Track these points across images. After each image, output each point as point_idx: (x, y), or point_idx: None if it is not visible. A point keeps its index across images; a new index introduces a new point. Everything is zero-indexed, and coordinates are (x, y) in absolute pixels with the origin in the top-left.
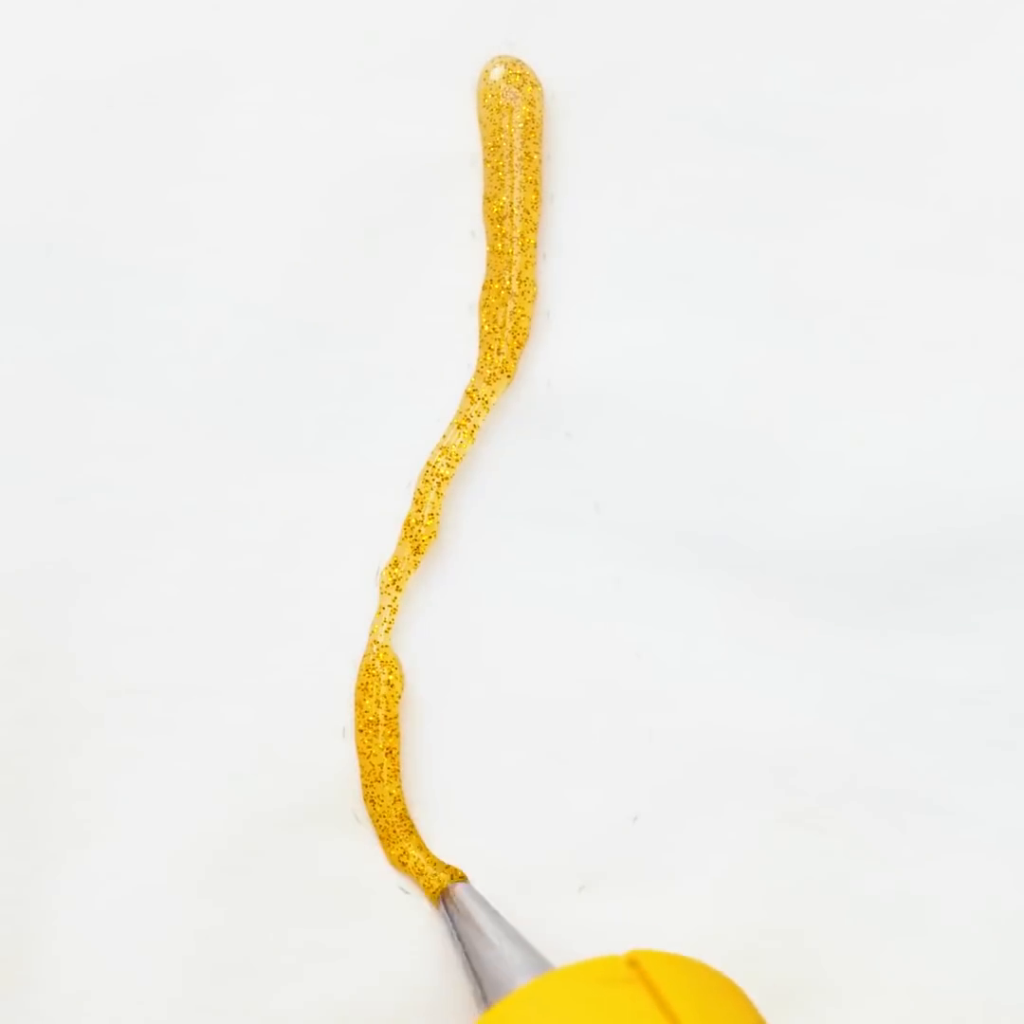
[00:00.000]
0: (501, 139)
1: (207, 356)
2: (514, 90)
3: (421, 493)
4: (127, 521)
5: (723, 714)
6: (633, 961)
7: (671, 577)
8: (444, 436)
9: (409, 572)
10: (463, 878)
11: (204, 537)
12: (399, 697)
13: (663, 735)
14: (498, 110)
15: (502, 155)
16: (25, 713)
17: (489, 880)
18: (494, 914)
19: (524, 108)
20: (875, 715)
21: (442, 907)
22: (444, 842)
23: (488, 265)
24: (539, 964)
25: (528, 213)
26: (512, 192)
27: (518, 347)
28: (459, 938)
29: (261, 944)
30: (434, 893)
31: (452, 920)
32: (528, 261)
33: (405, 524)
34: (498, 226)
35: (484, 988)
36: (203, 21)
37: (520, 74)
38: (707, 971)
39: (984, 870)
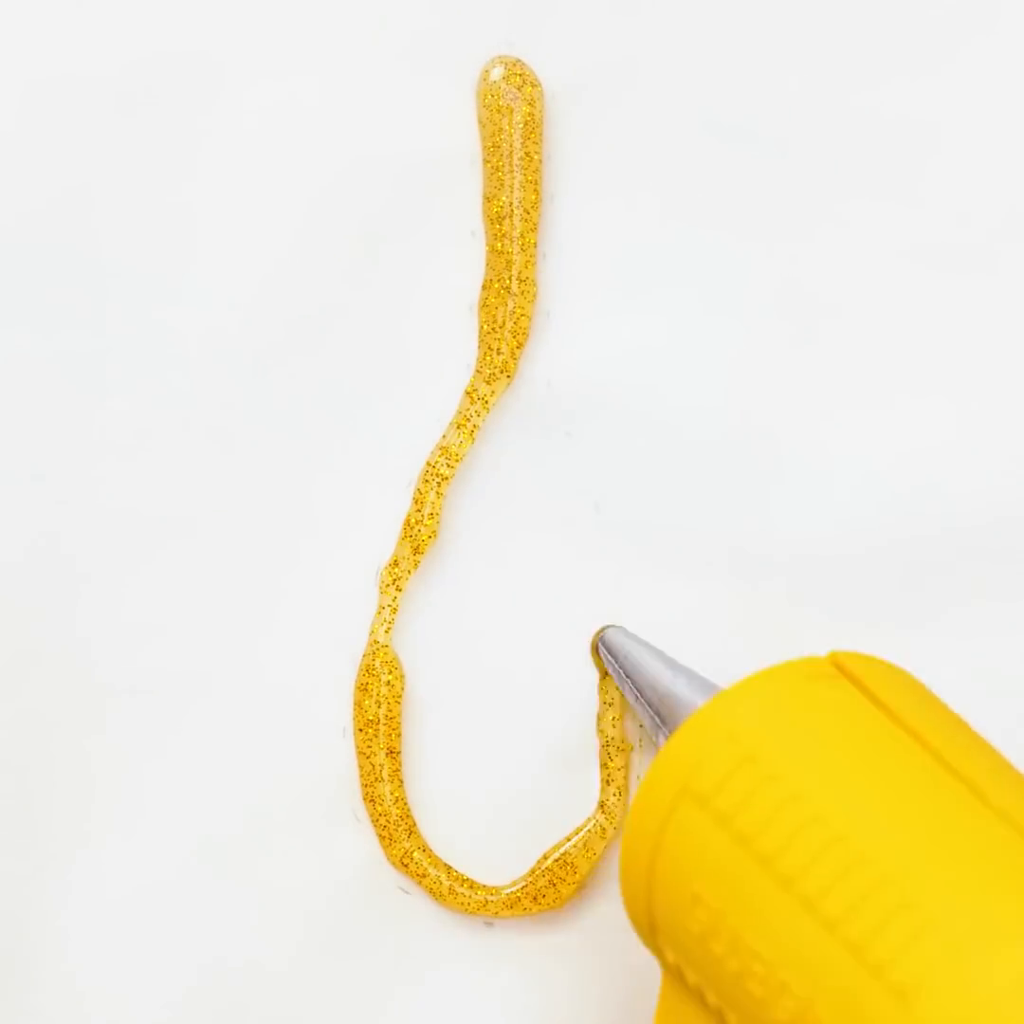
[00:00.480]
0: (501, 139)
1: (207, 356)
2: (514, 90)
3: (421, 493)
4: (127, 521)
5: None
6: (835, 660)
7: (671, 577)
8: (444, 436)
9: (409, 572)
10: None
11: (204, 537)
12: (399, 697)
13: (662, 735)
14: (498, 110)
15: (502, 155)
16: (26, 713)
17: (489, 880)
18: (653, 647)
19: (524, 108)
20: None
21: (600, 652)
22: (444, 842)
23: (488, 265)
24: (713, 686)
25: (528, 213)
26: (512, 192)
27: (518, 347)
28: (627, 675)
29: (261, 944)
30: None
31: (614, 661)
32: (528, 261)
33: (405, 524)
34: (498, 226)
35: (662, 714)
36: (203, 21)
37: (520, 74)
38: (900, 670)
39: None
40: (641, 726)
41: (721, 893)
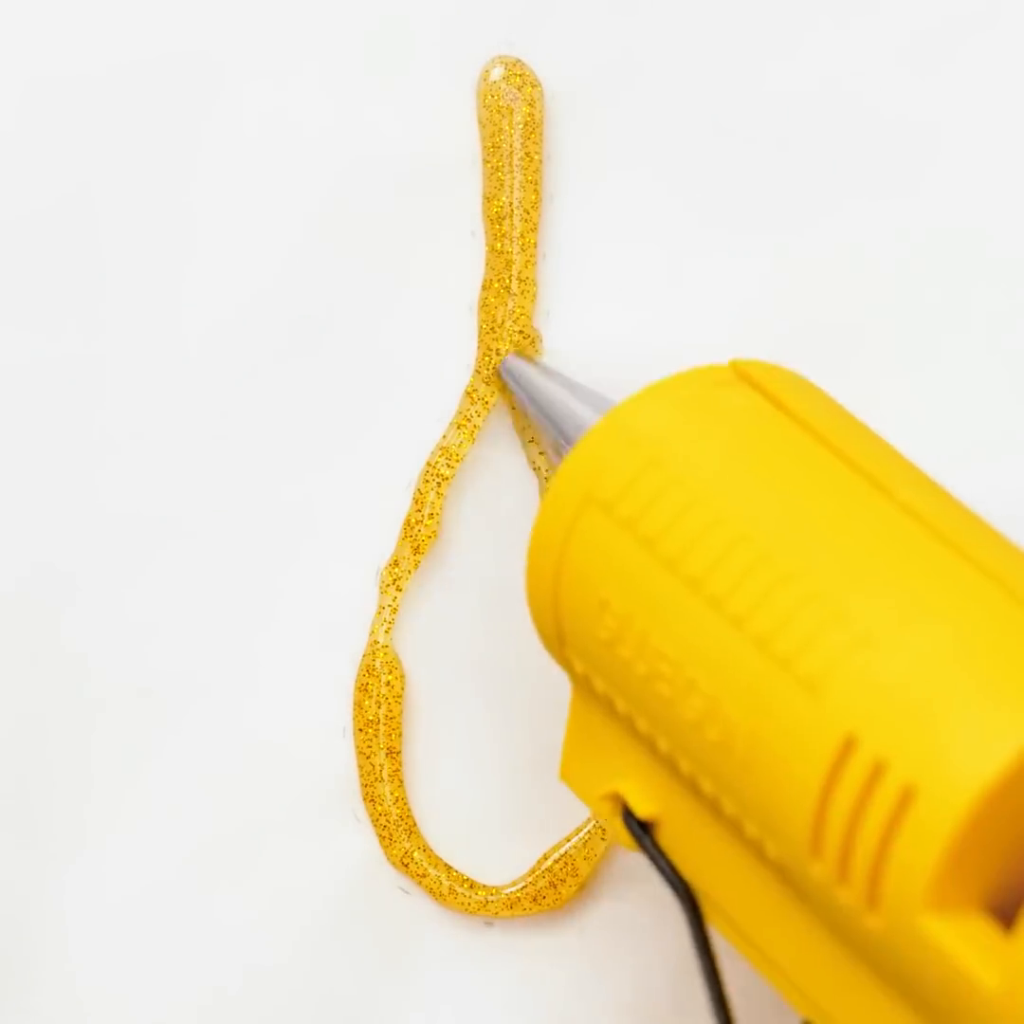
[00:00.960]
0: (501, 139)
1: (207, 356)
2: (514, 90)
3: (421, 493)
4: (127, 521)
5: None
6: (737, 368)
7: None
8: (444, 436)
9: (409, 572)
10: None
11: (204, 537)
12: (399, 697)
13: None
14: (498, 110)
15: (502, 155)
16: (26, 713)
17: (489, 880)
18: (557, 372)
19: (524, 108)
20: None
21: (503, 377)
22: (444, 842)
23: (488, 265)
24: (611, 402)
25: (528, 213)
26: (512, 192)
27: (518, 347)
28: (529, 398)
29: (261, 943)
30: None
31: (514, 384)
32: (528, 261)
33: (405, 524)
34: (498, 226)
35: (566, 434)
36: (202, 21)
37: (520, 74)
38: (802, 378)
39: None
40: None
41: (628, 597)
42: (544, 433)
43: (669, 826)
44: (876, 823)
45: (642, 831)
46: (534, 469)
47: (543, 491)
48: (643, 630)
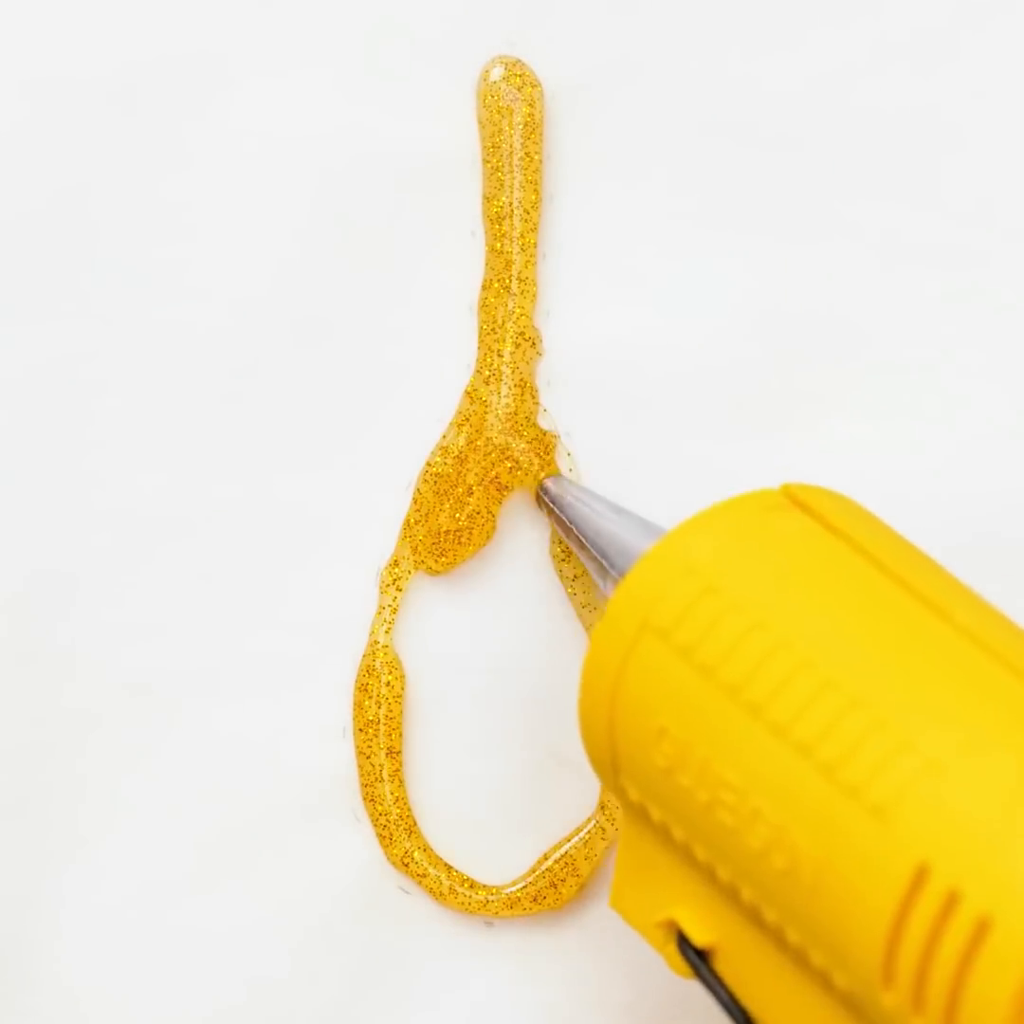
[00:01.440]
0: (501, 140)
1: (207, 356)
2: (514, 91)
3: (421, 493)
4: (127, 521)
5: None
6: (788, 492)
7: None
8: (444, 436)
9: (409, 572)
10: (554, 472)
11: (204, 537)
12: (399, 697)
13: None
14: (498, 111)
15: (502, 155)
16: (26, 713)
17: (489, 880)
18: (596, 493)
19: (524, 109)
20: None
21: (543, 501)
22: (444, 842)
23: (488, 265)
24: (658, 528)
25: (528, 213)
26: (512, 192)
27: (517, 347)
28: (572, 522)
29: (260, 943)
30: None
31: (558, 508)
32: (528, 261)
33: (405, 524)
34: (498, 226)
35: (610, 558)
36: (202, 21)
37: (520, 75)
38: (851, 500)
39: None
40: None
41: (688, 724)
42: (587, 557)
43: (726, 954)
44: (952, 953)
45: (699, 959)
46: (569, 591)
47: (578, 605)
48: (704, 758)
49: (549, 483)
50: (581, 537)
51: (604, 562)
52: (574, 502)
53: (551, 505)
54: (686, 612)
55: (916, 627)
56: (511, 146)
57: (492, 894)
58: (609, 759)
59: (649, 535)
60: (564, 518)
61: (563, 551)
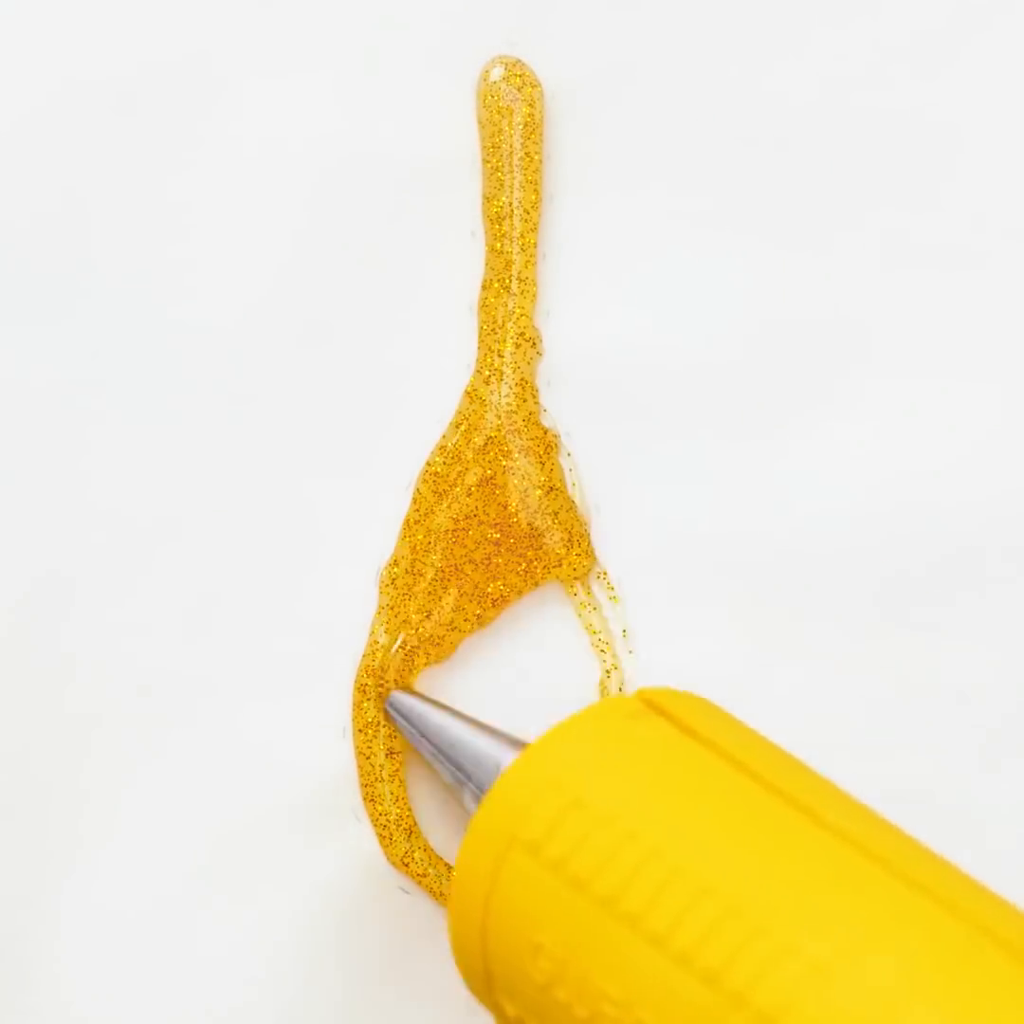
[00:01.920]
0: (501, 140)
1: (206, 356)
2: (514, 91)
3: (421, 493)
4: (127, 521)
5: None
6: (644, 697)
7: (670, 578)
8: (444, 436)
9: (409, 572)
10: (396, 687)
11: (204, 537)
12: None
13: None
14: (498, 111)
15: (502, 155)
16: (24, 713)
17: None
18: (443, 704)
19: (524, 109)
20: (875, 716)
21: (391, 715)
22: (444, 842)
23: (488, 265)
24: (516, 740)
25: (528, 213)
26: (512, 192)
27: (517, 347)
28: (424, 734)
29: (260, 943)
30: (380, 708)
31: (408, 720)
32: (528, 261)
33: (405, 524)
34: (498, 226)
35: (466, 771)
36: (202, 22)
37: (520, 75)
38: (708, 702)
39: (984, 869)
40: None
41: (563, 940)
42: (442, 767)
43: None
44: None
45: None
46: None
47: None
48: (583, 972)
49: (396, 697)
50: (435, 749)
51: (461, 774)
52: (425, 713)
53: (399, 719)
54: (554, 826)
55: (786, 829)
56: (511, 146)
57: None
58: (483, 974)
59: (505, 746)
60: (415, 730)
61: None
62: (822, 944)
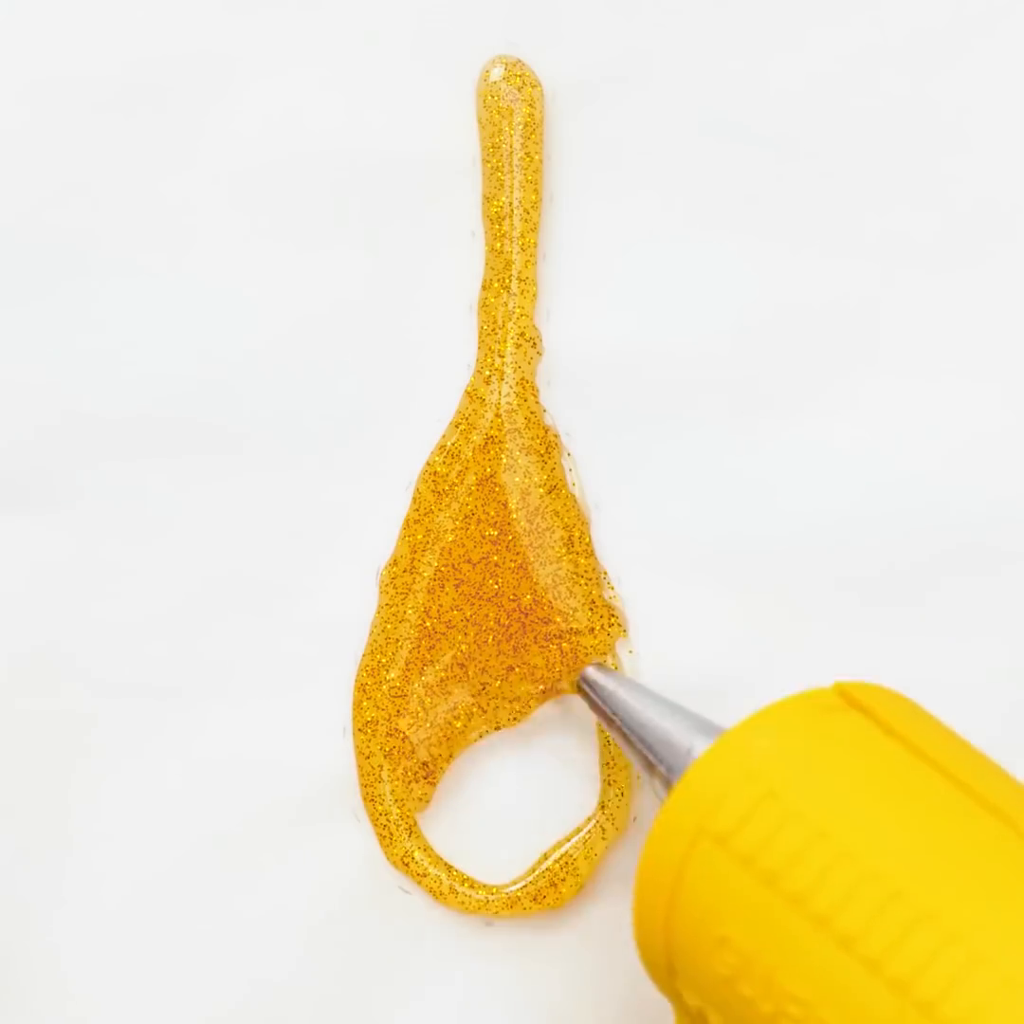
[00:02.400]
0: (501, 140)
1: (207, 356)
2: (514, 91)
3: (421, 493)
4: (126, 521)
5: (721, 715)
6: (842, 691)
7: (670, 577)
8: (444, 436)
9: (409, 572)
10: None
11: (204, 537)
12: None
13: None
14: (498, 111)
15: (502, 155)
16: (24, 714)
17: (489, 880)
18: (637, 683)
19: (524, 109)
20: None
21: (584, 691)
22: (444, 842)
23: (488, 265)
24: (708, 724)
25: (528, 213)
26: (512, 192)
27: (517, 347)
28: (615, 713)
29: (260, 943)
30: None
31: (601, 698)
32: (528, 261)
33: (405, 524)
34: (498, 226)
35: (657, 754)
36: (203, 22)
37: (520, 75)
38: (905, 698)
39: None
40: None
41: (751, 935)
42: (631, 750)
43: None
44: None
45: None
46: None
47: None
48: (768, 969)
49: (592, 671)
50: (625, 729)
51: (651, 757)
52: (616, 691)
53: (593, 695)
54: (746, 818)
55: (980, 833)
56: (511, 146)
57: (492, 894)
58: (664, 963)
59: (700, 732)
60: (606, 708)
61: None
62: (1017, 957)
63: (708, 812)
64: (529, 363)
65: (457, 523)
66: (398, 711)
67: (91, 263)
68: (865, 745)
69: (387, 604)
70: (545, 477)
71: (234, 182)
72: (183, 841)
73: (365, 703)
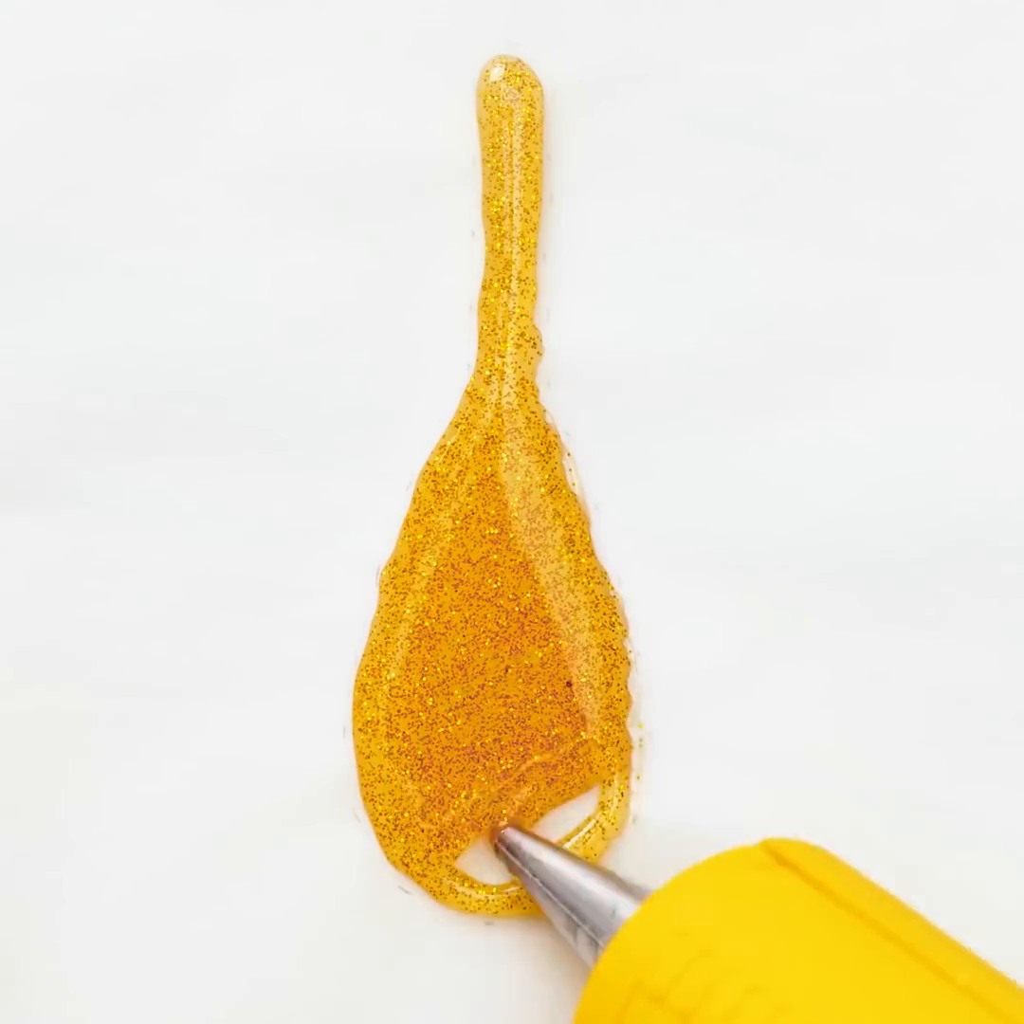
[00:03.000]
0: (501, 140)
1: (207, 356)
2: (514, 91)
3: (421, 493)
4: (126, 520)
5: (721, 715)
6: (769, 848)
7: (670, 577)
8: (444, 436)
9: (409, 572)
10: (510, 824)
11: (203, 536)
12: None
13: (659, 737)
14: (498, 111)
15: (502, 155)
16: (24, 714)
17: (489, 879)
18: (555, 845)
19: (524, 109)
20: (876, 714)
21: (501, 852)
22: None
23: (488, 265)
24: (628, 884)
25: (528, 213)
26: (512, 192)
27: (518, 347)
28: (535, 874)
29: (260, 943)
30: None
31: (520, 859)
32: (528, 261)
33: (405, 524)
34: (498, 226)
35: (581, 913)
36: (202, 22)
37: (520, 75)
38: (831, 854)
39: (984, 869)
40: (641, 726)
41: None
42: (552, 909)
43: None
44: None
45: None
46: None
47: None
48: None
49: (510, 833)
50: (547, 890)
51: (575, 917)
52: (536, 852)
53: (511, 858)
54: (681, 976)
55: (917, 988)
56: (511, 146)
57: (492, 894)
58: None
59: (621, 892)
60: (526, 870)
61: None
62: None
63: (643, 969)
64: (529, 363)
65: (457, 523)
66: (398, 711)
67: (91, 263)
68: (796, 902)
69: (387, 604)
70: (546, 477)
71: (234, 182)
72: (183, 841)
73: (365, 703)
